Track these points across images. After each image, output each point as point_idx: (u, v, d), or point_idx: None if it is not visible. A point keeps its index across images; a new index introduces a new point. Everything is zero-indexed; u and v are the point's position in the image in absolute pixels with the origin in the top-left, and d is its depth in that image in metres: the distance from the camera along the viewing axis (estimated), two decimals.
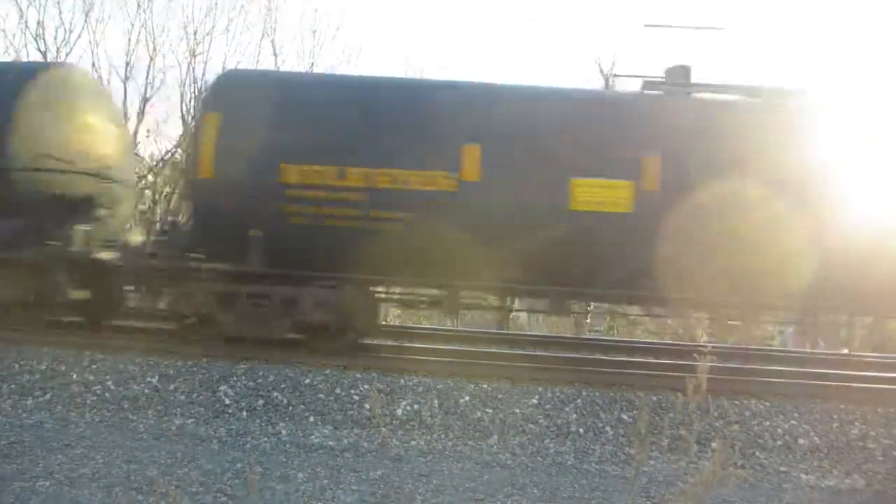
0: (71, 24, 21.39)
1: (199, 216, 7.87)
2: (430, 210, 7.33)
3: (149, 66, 20.79)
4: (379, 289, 8.34)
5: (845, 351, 13.30)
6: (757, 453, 6.20)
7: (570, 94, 8.27)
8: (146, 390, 6.76)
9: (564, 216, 7.31)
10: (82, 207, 8.59)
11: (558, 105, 7.89)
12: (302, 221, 7.45)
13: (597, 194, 7.34)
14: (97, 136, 9.09)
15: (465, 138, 7.43)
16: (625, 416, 6.56)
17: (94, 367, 7.02)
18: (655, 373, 7.81)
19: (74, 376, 6.90)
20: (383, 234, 7.35)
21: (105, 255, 8.34)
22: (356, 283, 7.72)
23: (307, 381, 6.87)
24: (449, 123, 7.55)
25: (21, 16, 21.15)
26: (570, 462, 6.03)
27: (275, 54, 22.31)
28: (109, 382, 6.83)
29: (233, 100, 7.88)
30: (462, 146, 7.40)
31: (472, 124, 7.55)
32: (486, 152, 7.39)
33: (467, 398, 6.67)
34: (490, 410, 6.55)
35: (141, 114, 20.32)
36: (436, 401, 6.63)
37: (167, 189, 20.13)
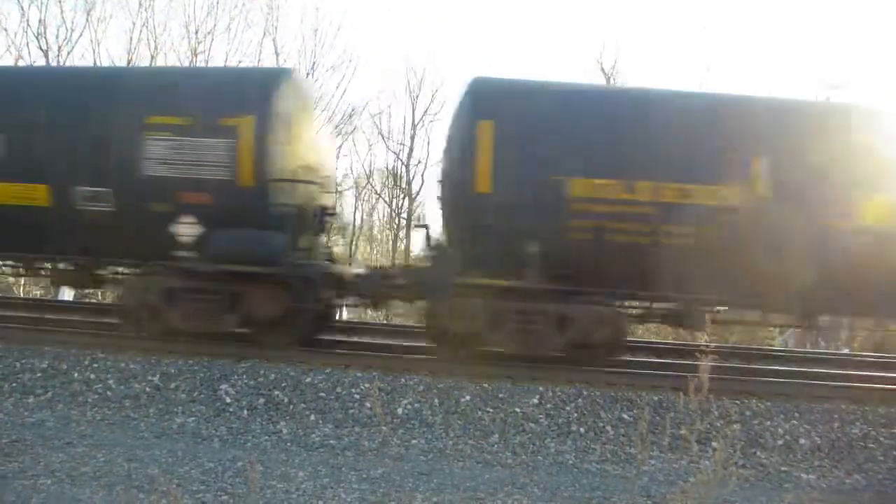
0: (72, 22, 21.45)
1: (473, 231, 7.55)
2: (717, 224, 7.18)
3: (150, 65, 20.81)
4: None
5: (846, 351, 13.30)
6: (758, 453, 6.19)
7: (856, 109, 8.13)
8: (147, 389, 6.77)
9: (851, 231, 7.11)
10: (320, 219, 8.41)
11: (844, 119, 7.75)
12: (584, 236, 7.29)
13: (882, 210, 7.19)
14: (321, 145, 8.82)
15: (754, 152, 7.29)
16: (625, 416, 6.56)
17: (95, 365, 7.02)
18: (657, 372, 7.80)
19: (76, 375, 6.90)
20: (669, 249, 7.18)
21: (342, 270, 8.23)
22: (630, 299, 7.71)
23: (308, 379, 6.87)
24: (737, 137, 7.38)
25: (23, 14, 21.19)
26: (570, 461, 6.03)
27: (276, 53, 22.34)
28: (111, 381, 6.84)
29: (504, 108, 7.63)
30: (751, 160, 7.27)
31: (760, 138, 7.39)
32: (774, 166, 7.24)
33: (468, 397, 6.66)
34: (491, 410, 6.55)
35: None
36: (436, 400, 6.63)
37: None
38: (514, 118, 7.53)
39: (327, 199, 8.67)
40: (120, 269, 8.53)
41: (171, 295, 7.63)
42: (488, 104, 7.71)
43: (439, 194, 7.98)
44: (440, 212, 8.04)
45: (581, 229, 7.31)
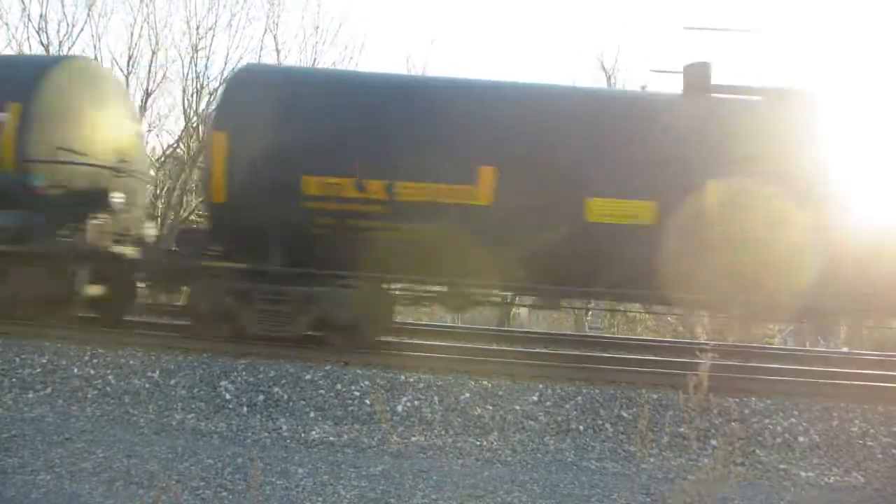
0: (74, 17, 21.46)
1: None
2: None
3: (151, 61, 20.83)
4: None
5: (845, 349, 13.32)
6: (757, 451, 6.20)
7: None
8: (147, 385, 6.77)
9: None
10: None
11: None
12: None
13: None
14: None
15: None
16: (624, 414, 6.56)
17: (94, 361, 7.02)
18: (656, 370, 7.81)
19: (75, 370, 6.91)
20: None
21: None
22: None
23: (308, 376, 6.88)
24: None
25: (24, 9, 21.24)
26: (570, 459, 6.03)
27: (277, 50, 22.33)
28: (110, 377, 6.84)
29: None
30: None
31: None
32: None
33: (468, 395, 6.67)
34: (490, 407, 6.55)
35: (143, 108, 20.35)
36: (436, 397, 6.63)
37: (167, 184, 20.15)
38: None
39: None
40: None
41: None
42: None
43: None
44: None
45: None
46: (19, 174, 7.97)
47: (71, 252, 7.93)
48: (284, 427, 6.31)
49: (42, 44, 20.68)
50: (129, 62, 20.65)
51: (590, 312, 18.46)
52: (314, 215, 7.43)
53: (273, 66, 8.39)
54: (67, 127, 8.39)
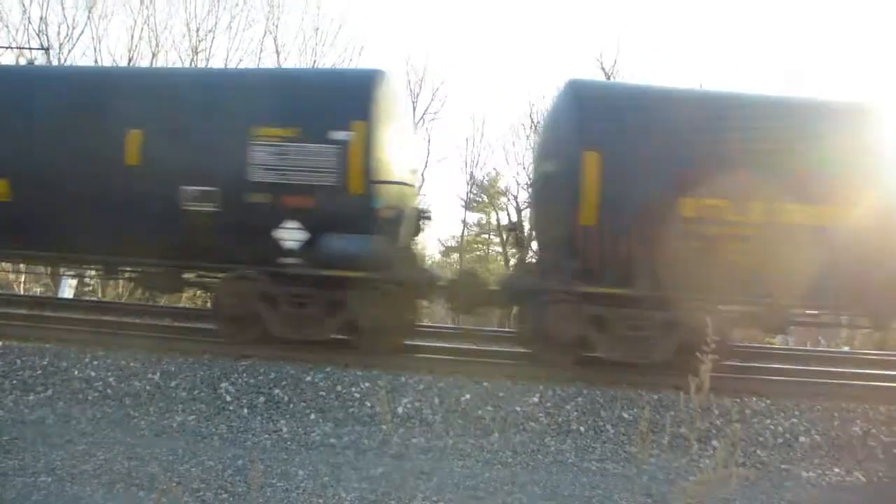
0: (74, 19, 21.51)
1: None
2: None
3: (151, 63, 20.85)
4: None
5: (846, 349, 13.32)
6: (758, 451, 6.20)
7: None
8: (147, 387, 6.77)
9: None
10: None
11: None
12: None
13: None
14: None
15: None
16: (625, 415, 6.56)
17: (95, 363, 7.02)
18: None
19: (76, 372, 6.91)
20: None
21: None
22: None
23: (308, 378, 6.88)
24: None
25: (24, 11, 21.26)
26: (570, 460, 6.03)
27: (277, 52, 22.39)
28: (111, 379, 6.84)
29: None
30: None
31: None
32: None
33: (468, 396, 6.67)
34: (491, 408, 6.55)
35: None
36: (437, 399, 6.63)
37: None
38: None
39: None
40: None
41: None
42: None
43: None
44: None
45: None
46: (366, 197, 7.52)
47: (425, 278, 7.80)
48: (285, 429, 6.31)
49: (42, 46, 20.72)
50: (129, 64, 20.68)
51: None
52: (688, 238, 7.17)
53: (627, 85, 7.78)
54: (393, 143, 7.97)
